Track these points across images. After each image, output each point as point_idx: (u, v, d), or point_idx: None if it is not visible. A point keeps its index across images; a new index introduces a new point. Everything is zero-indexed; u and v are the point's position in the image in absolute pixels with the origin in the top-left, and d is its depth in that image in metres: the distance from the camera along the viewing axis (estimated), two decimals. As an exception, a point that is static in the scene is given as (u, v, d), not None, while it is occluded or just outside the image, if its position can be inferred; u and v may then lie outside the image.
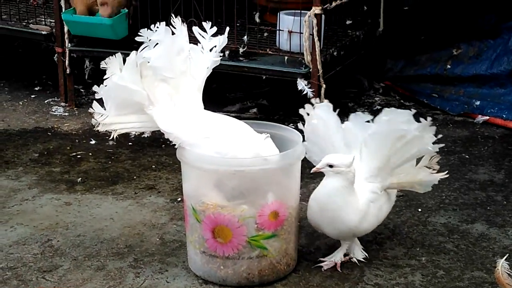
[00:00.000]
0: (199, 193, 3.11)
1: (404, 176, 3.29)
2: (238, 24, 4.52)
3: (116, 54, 3.19)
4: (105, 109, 3.21)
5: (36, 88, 5.19)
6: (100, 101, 3.24)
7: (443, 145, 3.28)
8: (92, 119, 3.25)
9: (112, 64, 3.17)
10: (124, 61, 3.17)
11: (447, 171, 3.40)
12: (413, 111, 3.19)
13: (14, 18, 5.01)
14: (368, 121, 3.26)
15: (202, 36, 3.20)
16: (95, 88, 3.21)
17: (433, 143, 3.23)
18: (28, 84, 5.25)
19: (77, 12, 4.57)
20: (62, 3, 4.67)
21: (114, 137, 3.28)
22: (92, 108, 3.24)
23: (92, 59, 4.81)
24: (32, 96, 5.10)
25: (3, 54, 5.77)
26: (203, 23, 3.23)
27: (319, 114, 3.31)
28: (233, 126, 3.15)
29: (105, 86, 3.18)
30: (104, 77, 3.19)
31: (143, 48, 3.14)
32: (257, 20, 4.60)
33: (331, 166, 3.09)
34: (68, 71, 4.82)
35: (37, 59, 5.59)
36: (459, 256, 3.34)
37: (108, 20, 4.51)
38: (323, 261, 3.26)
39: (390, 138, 3.16)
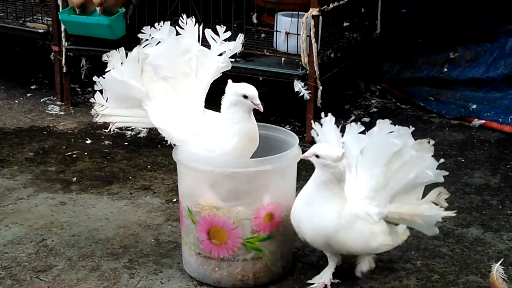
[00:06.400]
0: (195, 194, 3.11)
1: (406, 206, 3.07)
2: (235, 25, 4.52)
3: (119, 48, 3.19)
4: (106, 101, 3.23)
5: (32, 87, 5.18)
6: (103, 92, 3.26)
7: (447, 173, 3.07)
8: (92, 109, 3.26)
9: (114, 57, 3.19)
10: (127, 56, 3.19)
11: (455, 210, 3.20)
12: (411, 128, 3.02)
13: (11, 16, 5.00)
14: (361, 133, 3.06)
15: (214, 40, 3.19)
16: (95, 78, 3.23)
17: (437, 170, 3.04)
18: (24, 83, 5.24)
19: (74, 3, 4.53)
20: (59, 2, 4.66)
21: (112, 129, 3.30)
22: (93, 98, 3.26)
23: (89, 58, 4.80)
24: (28, 94, 5.09)
25: (-1, 52, 5.76)
26: (217, 26, 3.21)
27: (320, 127, 3.19)
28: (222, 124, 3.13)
29: (104, 78, 3.20)
30: (106, 70, 3.20)
31: (146, 45, 3.14)
32: (255, 21, 4.60)
33: (317, 156, 2.94)
34: (64, 70, 4.81)
35: (34, 58, 5.58)
36: (454, 260, 3.34)
37: (105, 20, 4.50)
38: (312, 284, 3.12)
39: (384, 154, 2.98)
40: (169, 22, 3.16)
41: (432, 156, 3.03)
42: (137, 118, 3.26)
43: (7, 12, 5.02)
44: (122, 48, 3.21)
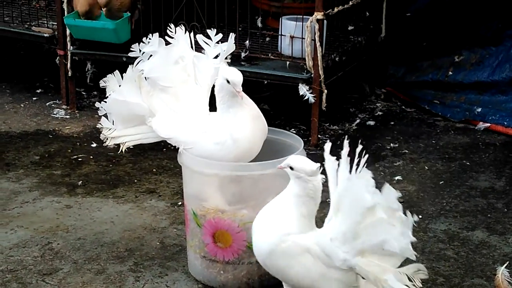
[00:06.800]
0: (200, 197, 3.12)
1: (374, 266, 2.67)
2: (240, 29, 4.53)
3: (114, 72, 3.25)
4: (112, 123, 3.28)
5: (38, 91, 5.19)
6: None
7: (414, 255, 2.62)
8: (101, 134, 3.30)
9: (111, 81, 3.27)
10: (122, 77, 3.25)
11: None
12: (397, 194, 2.58)
13: (17, 20, 5.01)
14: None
15: (207, 43, 3.22)
16: (97, 104, 3.29)
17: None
18: (30, 87, 5.25)
19: (78, 10, 4.56)
20: (65, 6, 4.67)
21: (123, 150, 3.32)
22: (100, 123, 3.30)
23: (94, 62, 4.81)
24: (34, 98, 5.10)
25: (5, 56, 5.77)
26: (208, 30, 3.24)
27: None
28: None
29: (106, 103, 3.25)
30: (106, 95, 3.25)
31: (138, 62, 3.19)
32: (259, 24, 4.60)
33: (292, 168, 2.75)
34: (69, 73, 4.82)
35: (39, 62, 5.59)
36: (459, 263, 3.34)
37: (111, 24, 4.52)
38: None
39: (358, 206, 2.59)
40: (157, 34, 3.19)
41: (407, 229, 2.58)
42: (145, 134, 3.30)
43: (13, 16, 5.04)
44: (117, 71, 3.27)
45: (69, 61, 4.78)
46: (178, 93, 3.20)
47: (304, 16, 4.33)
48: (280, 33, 4.50)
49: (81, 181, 4.02)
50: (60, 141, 4.49)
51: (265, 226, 2.81)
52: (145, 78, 3.21)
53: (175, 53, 3.21)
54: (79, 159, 4.27)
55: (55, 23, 4.83)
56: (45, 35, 4.86)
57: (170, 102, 3.19)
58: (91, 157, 4.29)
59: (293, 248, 2.75)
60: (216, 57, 3.21)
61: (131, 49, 3.20)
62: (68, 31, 4.71)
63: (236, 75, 3.04)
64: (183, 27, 3.25)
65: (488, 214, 3.74)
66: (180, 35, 3.22)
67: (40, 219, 3.66)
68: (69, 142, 4.48)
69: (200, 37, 3.23)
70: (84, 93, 5.10)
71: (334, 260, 2.70)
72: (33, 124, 4.72)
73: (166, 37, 3.21)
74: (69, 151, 4.37)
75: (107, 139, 3.32)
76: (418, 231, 3.57)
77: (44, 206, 3.78)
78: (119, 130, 3.30)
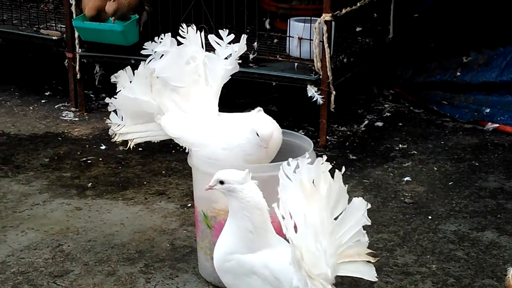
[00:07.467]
0: (210, 199, 3.11)
1: None
2: (248, 30, 4.53)
3: (125, 68, 3.25)
4: (121, 120, 3.28)
5: (47, 93, 5.21)
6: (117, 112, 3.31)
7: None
8: (110, 129, 3.31)
9: (122, 77, 3.26)
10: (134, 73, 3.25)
11: None
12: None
13: (25, 23, 5.02)
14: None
15: (218, 44, 3.23)
16: (107, 100, 3.30)
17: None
18: (39, 89, 5.26)
19: (86, 14, 4.57)
20: (73, 9, 4.68)
21: (131, 146, 3.33)
22: (109, 119, 3.30)
23: (102, 64, 4.82)
24: (43, 101, 5.11)
25: (13, 59, 5.79)
26: (220, 30, 3.24)
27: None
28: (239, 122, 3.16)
29: (116, 99, 3.25)
30: (116, 91, 3.26)
31: (150, 60, 3.19)
32: (267, 26, 4.61)
33: (222, 182, 2.66)
34: (78, 76, 4.83)
35: (48, 64, 5.60)
36: (469, 264, 3.34)
37: (119, 27, 4.52)
38: None
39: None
40: (169, 33, 3.20)
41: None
42: (154, 132, 3.31)
43: (21, 19, 5.05)
44: (129, 67, 3.27)
45: (77, 63, 4.79)
46: (188, 94, 3.21)
47: (312, 18, 4.33)
48: (288, 34, 4.50)
49: (90, 183, 4.02)
50: (69, 143, 4.50)
51: (217, 243, 2.75)
52: (157, 77, 3.22)
53: (187, 53, 3.21)
54: (89, 161, 4.28)
55: (64, 26, 4.84)
56: (54, 37, 4.87)
57: (180, 102, 3.20)
58: (101, 159, 4.30)
59: (237, 269, 2.67)
60: (227, 57, 3.22)
61: (143, 47, 3.20)
62: (76, 34, 4.72)
63: (266, 129, 3.05)
64: (194, 27, 3.25)
65: (498, 215, 3.73)
66: (191, 35, 3.22)
67: (50, 221, 3.67)
68: (78, 144, 4.49)
69: (211, 38, 3.23)
70: (92, 95, 5.11)
71: (285, 286, 2.57)
72: (42, 127, 4.73)
73: (178, 37, 3.21)
74: (79, 153, 4.38)
75: (115, 134, 3.32)
76: (428, 232, 3.57)
77: (54, 208, 3.79)
78: (128, 126, 3.30)
